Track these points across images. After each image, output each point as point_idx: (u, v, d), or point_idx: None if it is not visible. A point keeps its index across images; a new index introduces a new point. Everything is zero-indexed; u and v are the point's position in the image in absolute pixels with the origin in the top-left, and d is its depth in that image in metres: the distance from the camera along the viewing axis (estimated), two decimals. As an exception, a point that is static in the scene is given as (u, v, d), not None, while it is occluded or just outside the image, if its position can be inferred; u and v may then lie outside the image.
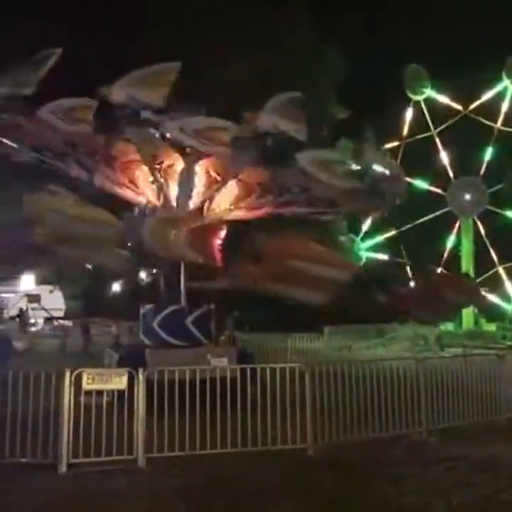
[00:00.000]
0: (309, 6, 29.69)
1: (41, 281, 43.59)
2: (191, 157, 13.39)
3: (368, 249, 42.95)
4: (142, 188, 14.32)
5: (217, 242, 13.51)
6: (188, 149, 13.19)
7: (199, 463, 8.22)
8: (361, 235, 42.29)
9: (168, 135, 12.38)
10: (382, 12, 41.26)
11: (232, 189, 14.35)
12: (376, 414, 9.53)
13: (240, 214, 15.05)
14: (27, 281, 43.88)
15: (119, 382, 8.65)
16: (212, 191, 14.06)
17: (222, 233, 13.70)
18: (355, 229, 40.44)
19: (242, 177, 14.01)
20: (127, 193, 14.64)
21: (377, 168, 13.78)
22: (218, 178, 13.93)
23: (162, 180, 13.85)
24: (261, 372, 9.37)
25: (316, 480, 7.84)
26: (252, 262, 12.62)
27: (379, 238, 43.38)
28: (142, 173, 14.07)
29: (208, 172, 13.92)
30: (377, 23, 41.14)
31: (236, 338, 21.48)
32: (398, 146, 41.10)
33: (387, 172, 13.98)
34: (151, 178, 13.94)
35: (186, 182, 13.81)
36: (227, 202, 14.57)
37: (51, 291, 44.06)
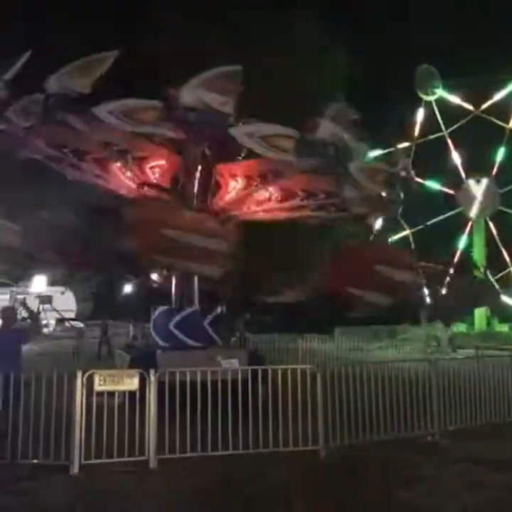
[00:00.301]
0: (319, 6, 29.65)
1: (53, 282, 43.80)
2: (210, 161, 13.52)
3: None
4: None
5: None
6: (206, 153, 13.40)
7: (211, 464, 8.22)
8: (373, 236, 42.16)
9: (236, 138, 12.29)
10: (393, 11, 41.22)
11: (266, 193, 14.37)
12: (388, 415, 9.47)
13: (263, 216, 15.09)
14: (39, 283, 44.09)
15: (130, 383, 8.65)
16: (241, 193, 14.09)
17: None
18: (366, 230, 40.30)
19: (288, 183, 14.03)
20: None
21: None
22: (254, 181, 13.93)
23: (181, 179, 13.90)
24: (272, 373, 9.38)
25: (328, 482, 7.82)
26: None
27: (391, 239, 43.26)
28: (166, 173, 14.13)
29: (234, 176, 13.94)
30: (388, 23, 41.08)
31: (247, 339, 21.52)
32: (409, 147, 40.99)
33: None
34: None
35: (203, 183, 13.86)
36: (254, 204, 14.60)
37: (63, 293, 44.32)
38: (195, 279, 13.92)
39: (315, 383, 9.11)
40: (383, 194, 13.79)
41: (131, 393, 8.66)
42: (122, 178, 14.25)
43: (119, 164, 13.85)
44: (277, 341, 21.69)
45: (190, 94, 11.99)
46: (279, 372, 9.27)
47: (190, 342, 13.04)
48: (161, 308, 13.75)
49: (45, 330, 32.77)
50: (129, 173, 14.08)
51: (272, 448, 8.61)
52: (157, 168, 13.92)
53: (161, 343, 13.23)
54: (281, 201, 14.56)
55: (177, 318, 13.24)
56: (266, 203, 14.72)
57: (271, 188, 14.24)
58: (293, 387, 9.08)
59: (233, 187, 14.15)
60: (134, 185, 14.26)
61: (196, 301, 13.80)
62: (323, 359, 19.10)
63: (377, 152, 15.17)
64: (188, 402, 8.67)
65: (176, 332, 13.14)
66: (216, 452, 8.44)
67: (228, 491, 7.45)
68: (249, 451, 8.54)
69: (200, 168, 14.00)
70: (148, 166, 13.82)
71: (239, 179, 13.95)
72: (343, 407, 9.14)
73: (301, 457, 8.59)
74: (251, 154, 13.09)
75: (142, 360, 11.62)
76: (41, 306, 41.43)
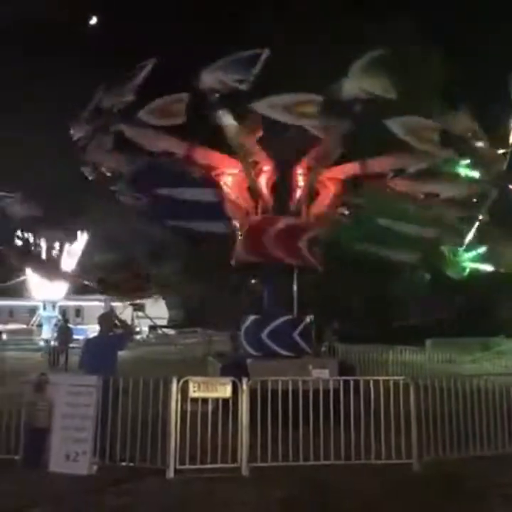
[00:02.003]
0: (412, 8, 29.28)
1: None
2: (288, 164, 13.61)
3: (472, 259, 41.50)
4: (238, 197, 14.59)
5: (307, 243, 13.61)
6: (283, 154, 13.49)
7: (302, 474, 8.23)
8: (465, 245, 40.93)
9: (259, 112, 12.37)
10: (487, 12, 39.97)
11: (328, 188, 14.38)
12: (484, 430, 9.18)
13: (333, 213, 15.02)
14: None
15: (223, 390, 8.82)
16: (309, 192, 14.15)
17: (313, 234, 13.78)
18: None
19: (336, 172, 14.00)
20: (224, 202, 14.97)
21: None
22: (318, 179, 13.99)
23: (259, 187, 14.07)
24: (364, 384, 9.31)
25: (423, 496, 7.66)
26: None
27: (483, 249, 41.79)
28: (235, 181, 14.34)
29: (306, 175, 14.01)
30: (481, 23, 39.87)
31: (336, 348, 21.37)
32: (504, 153, 39.52)
33: None
34: (248, 185, 14.20)
35: (283, 187, 13.98)
36: (324, 201, 14.58)
37: (155, 300, 45.47)
38: (294, 286, 14.06)
39: (408, 395, 8.96)
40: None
41: (224, 400, 8.82)
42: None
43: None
44: (367, 352, 21.42)
45: (351, 83, 12.00)
46: (371, 383, 9.19)
47: (282, 352, 13.10)
48: (253, 317, 13.85)
49: (138, 337, 33.76)
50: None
51: (363, 459, 8.54)
52: (227, 176, 14.16)
53: (252, 352, 13.32)
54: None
55: (269, 327, 13.30)
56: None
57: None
58: (385, 399, 8.99)
59: (331, 191, 14.22)
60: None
61: (292, 309, 13.91)
62: (414, 371, 18.69)
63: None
64: (279, 411, 8.74)
65: (268, 342, 13.21)
66: (308, 462, 8.45)
67: (321, 502, 7.44)
68: (340, 461, 8.49)
69: (300, 172, 14.08)
70: (214, 173, 14.12)
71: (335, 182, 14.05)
72: (437, 420, 8.94)
73: (394, 470, 8.46)
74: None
75: (233, 368, 11.76)
76: (135, 314, 42.77)
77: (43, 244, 43.30)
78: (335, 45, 13.59)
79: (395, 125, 12.29)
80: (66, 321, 27.94)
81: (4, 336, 36.10)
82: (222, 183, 14.30)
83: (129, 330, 12.84)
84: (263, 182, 14.11)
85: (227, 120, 12.80)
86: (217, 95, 12.29)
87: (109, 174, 14.53)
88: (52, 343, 26.74)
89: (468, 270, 36.89)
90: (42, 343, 33.17)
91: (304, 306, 14.92)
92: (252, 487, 7.94)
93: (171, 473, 8.22)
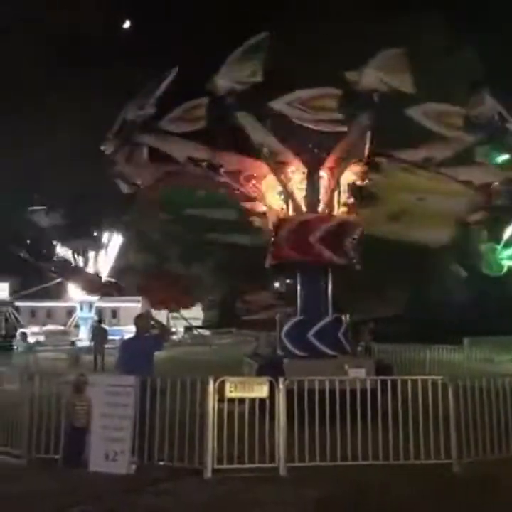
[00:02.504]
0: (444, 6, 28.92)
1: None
2: (314, 162, 13.56)
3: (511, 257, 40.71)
4: (269, 199, 14.59)
5: (351, 241, 13.56)
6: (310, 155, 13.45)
7: (340, 474, 8.17)
8: (503, 242, 40.18)
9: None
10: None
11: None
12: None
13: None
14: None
15: (260, 390, 8.81)
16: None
17: (357, 231, 13.73)
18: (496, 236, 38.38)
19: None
20: (255, 206, 15.01)
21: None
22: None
23: (289, 187, 14.03)
24: (401, 384, 9.22)
25: (462, 498, 7.54)
26: None
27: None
28: (267, 184, 14.32)
29: (333, 171, 13.94)
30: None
31: (372, 348, 21.21)
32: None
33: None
34: (279, 189, 14.19)
35: (312, 186, 13.92)
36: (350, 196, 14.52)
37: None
38: (329, 286, 14.03)
39: (446, 395, 8.84)
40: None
41: (261, 401, 8.81)
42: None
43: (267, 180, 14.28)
44: (403, 351, 21.23)
45: (370, 76, 11.95)
46: (409, 383, 9.09)
47: (328, 351, 13.12)
48: (297, 318, 13.90)
49: (173, 337, 33.98)
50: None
51: (402, 460, 8.44)
52: (252, 179, 14.15)
53: (297, 352, 13.31)
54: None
55: (316, 327, 13.31)
56: None
57: None
58: (423, 399, 8.88)
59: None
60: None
61: (329, 310, 13.90)
62: (452, 370, 18.46)
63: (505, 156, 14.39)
64: (316, 411, 8.71)
65: (315, 341, 13.22)
66: (346, 462, 8.40)
67: (359, 502, 7.39)
68: (379, 461, 8.42)
69: (324, 172, 14.02)
70: (242, 177, 14.14)
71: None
72: (477, 420, 8.80)
73: (433, 470, 8.35)
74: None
75: (269, 368, 11.76)
76: (170, 315, 43.13)
77: (77, 255, 44.23)
78: (354, 40, 13.54)
79: (417, 113, 12.12)
80: (100, 321, 28.25)
81: (42, 337, 36.66)
82: (250, 186, 14.33)
83: (165, 331, 12.95)
84: (293, 182, 14.08)
85: (248, 122, 12.75)
86: (235, 96, 12.22)
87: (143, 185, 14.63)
88: (88, 343, 27.17)
89: (506, 268, 36.30)
90: (80, 344, 33.63)
91: (340, 305, 14.87)
92: (290, 487, 7.92)
93: (208, 473, 8.25)
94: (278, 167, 13.82)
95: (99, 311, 45.20)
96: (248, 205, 15.22)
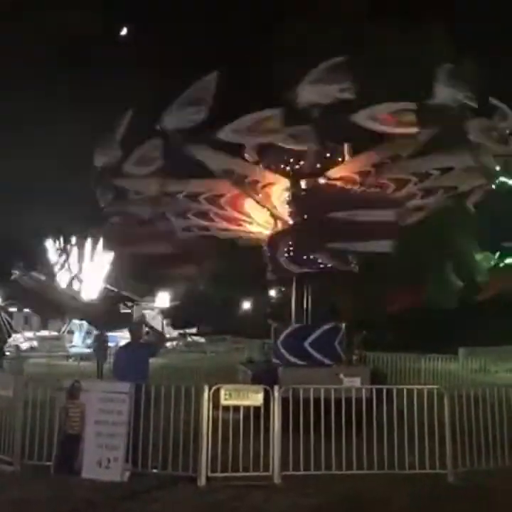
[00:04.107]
0: (444, 18, 29.18)
1: (175, 298, 45.42)
2: (295, 172, 13.58)
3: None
4: (254, 218, 14.54)
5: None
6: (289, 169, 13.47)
7: (335, 483, 8.14)
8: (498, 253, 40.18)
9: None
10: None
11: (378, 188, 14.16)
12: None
13: None
14: (162, 299, 45.89)
15: (255, 398, 8.77)
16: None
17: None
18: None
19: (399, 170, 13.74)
20: (242, 228, 14.92)
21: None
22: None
23: (270, 203, 13.97)
24: (397, 393, 9.20)
25: (457, 508, 7.52)
26: None
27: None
28: (252, 203, 14.20)
29: (341, 179, 13.84)
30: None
31: (366, 357, 21.19)
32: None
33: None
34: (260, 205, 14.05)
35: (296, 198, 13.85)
36: None
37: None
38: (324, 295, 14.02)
39: (442, 405, 8.83)
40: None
41: (256, 408, 8.77)
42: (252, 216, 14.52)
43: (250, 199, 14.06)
44: (397, 360, 21.21)
45: (309, 90, 11.86)
46: (405, 392, 9.07)
47: (325, 360, 13.05)
48: (295, 326, 13.82)
49: (168, 344, 33.87)
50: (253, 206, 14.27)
51: (397, 470, 8.41)
52: (273, 190, 14.09)
53: (294, 360, 13.22)
54: (395, 192, 14.12)
55: (313, 336, 13.25)
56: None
57: (384, 181, 13.89)
58: (419, 408, 8.86)
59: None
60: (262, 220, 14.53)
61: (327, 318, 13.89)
62: (447, 380, 18.47)
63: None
64: (311, 420, 8.68)
65: (311, 350, 13.15)
66: (340, 471, 8.36)
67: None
68: (373, 471, 8.38)
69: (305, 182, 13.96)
70: (268, 190, 14.01)
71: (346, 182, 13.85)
72: (473, 430, 8.80)
73: (428, 480, 8.32)
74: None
75: (264, 376, 11.73)
76: (165, 321, 43.04)
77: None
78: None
79: (362, 118, 11.89)
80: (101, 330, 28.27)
81: (35, 343, 36.53)
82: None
83: (161, 338, 12.91)
84: (275, 197, 13.99)
85: (204, 155, 12.51)
86: (184, 133, 11.89)
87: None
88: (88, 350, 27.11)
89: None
90: (73, 350, 33.50)
91: (335, 314, 14.88)
92: (284, 496, 7.88)
93: (202, 481, 8.20)
94: (252, 188, 13.66)
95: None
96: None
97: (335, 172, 13.57)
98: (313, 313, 13.95)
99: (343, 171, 13.64)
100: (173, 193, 13.70)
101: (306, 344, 13.23)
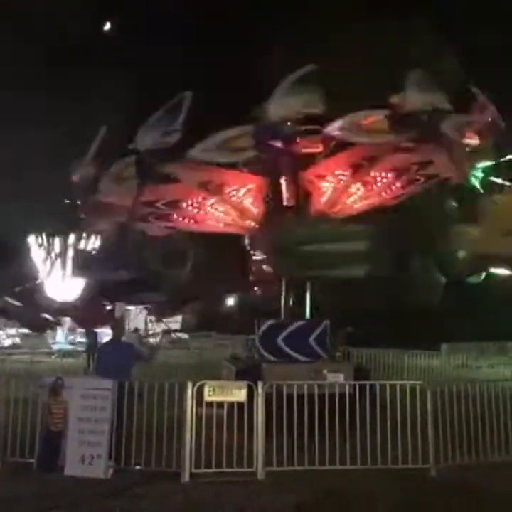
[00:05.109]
0: (434, 15, 29.25)
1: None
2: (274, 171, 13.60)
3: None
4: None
5: None
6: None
7: (318, 478, 8.17)
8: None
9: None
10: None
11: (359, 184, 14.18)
12: (502, 436, 9.10)
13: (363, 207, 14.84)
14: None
15: (238, 394, 8.78)
16: (336, 191, 14.03)
17: None
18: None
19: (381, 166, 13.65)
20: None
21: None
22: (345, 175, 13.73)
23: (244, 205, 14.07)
24: (380, 388, 9.25)
25: (439, 503, 7.58)
26: None
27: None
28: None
29: (322, 177, 13.84)
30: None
31: (350, 353, 21.25)
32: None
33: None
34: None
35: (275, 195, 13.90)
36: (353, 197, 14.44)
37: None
38: (308, 292, 14.03)
39: (425, 400, 8.88)
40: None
41: (239, 405, 8.78)
42: (216, 216, 14.61)
43: (213, 201, 14.11)
44: (381, 356, 21.30)
45: (279, 106, 11.89)
46: (388, 388, 9.12)
47: (298, 357, 13.01)
48: (270, 322, 13.74)
49: (151, 340, 33.82)
50: (222, 208, 14.37)
51: (380, 465, 8.46)
52: (249, 193, 14.08)
53: (268, 356, 13.20)
54: (375, 188, 14.17)
55: (285, 332, 13.21)
56: (366, 192, 14.41)
57: (367, 177, 13.93)
58: (402, 404, 8.92)
59: (326, 188, 14.02)
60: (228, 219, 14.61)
61: (307, 314, 13.88)
62: (430, 376, 18.58)
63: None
64: (295, 415, 8.70)
65: (283, 346, 13.10)
66: (323, 466, 8.39)
67: (336, 506, 7.42)
68: (356, 466, 8.43)
69: (284, 180, 13.95)
70: (242, 193, 14.02)
71: (329, 178, 13.81)
72: (455, 425, 8.85)
73: (411, 475, 8.38)
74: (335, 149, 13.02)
75: (248, 372, 11.73)
76: (149, 318, 42.92)
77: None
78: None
79: (333, 128, 12.03)
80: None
81: (18, 340, 36.34)
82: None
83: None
84: (247, 200, 14.06)
85: (178, 172, 12.59)
86: (158, 153, 11.87)
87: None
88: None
89: (484, 274, 36.59)
90: (56, 347, 33.31)
91: (320, 310, 14.89)
92: (268, 491, 7.90)
93: (186, 477, 8.20)
94: (224, 191, 13.71)
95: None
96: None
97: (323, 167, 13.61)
98: (296, 310, 13.98)
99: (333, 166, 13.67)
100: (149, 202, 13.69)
101: (279, 340, 13.19)
